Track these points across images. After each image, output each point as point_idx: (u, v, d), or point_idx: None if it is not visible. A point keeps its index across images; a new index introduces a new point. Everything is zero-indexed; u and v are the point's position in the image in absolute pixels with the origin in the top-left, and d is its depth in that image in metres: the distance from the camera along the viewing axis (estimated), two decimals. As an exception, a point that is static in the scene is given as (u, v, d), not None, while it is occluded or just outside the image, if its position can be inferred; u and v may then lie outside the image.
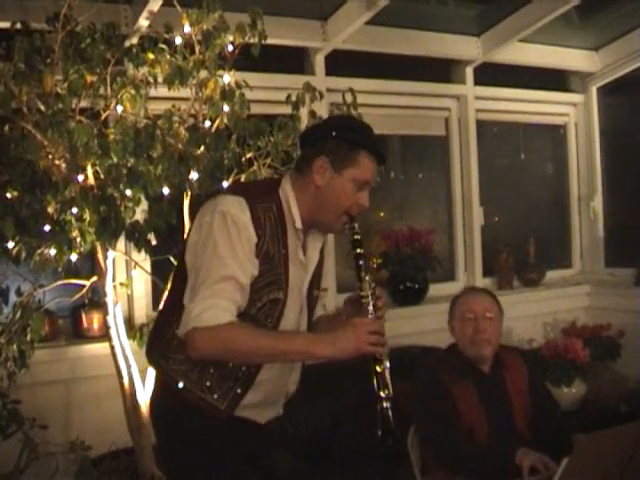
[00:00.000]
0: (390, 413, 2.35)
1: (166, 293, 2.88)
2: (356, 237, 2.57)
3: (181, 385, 2.51)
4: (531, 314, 5.56)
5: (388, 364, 2.42)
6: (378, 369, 2.40)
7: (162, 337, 2.57)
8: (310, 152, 2.60)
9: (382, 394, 2.37)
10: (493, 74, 5.72)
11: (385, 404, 2.36)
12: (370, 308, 2.50)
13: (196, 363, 2.47)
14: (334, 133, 2.57)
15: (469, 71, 5.65)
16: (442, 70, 5.66)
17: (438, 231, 5.53)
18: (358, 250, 2.56)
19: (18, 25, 3.46)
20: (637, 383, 5.11)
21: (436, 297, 5.39)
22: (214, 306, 2.33)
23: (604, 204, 6.26)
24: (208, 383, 2.50)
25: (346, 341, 2.36)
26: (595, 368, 5.05)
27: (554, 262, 6.29)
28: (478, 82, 5.71)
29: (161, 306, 2.93)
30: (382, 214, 5.65)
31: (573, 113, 6.36)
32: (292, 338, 2.49)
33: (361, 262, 2.55)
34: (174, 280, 2.66)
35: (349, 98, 4.26)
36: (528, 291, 5.86)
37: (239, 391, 2.52)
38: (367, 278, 2.53)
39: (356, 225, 2.58)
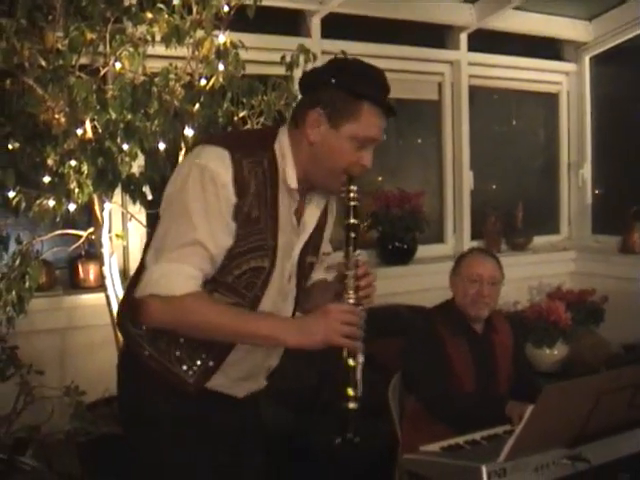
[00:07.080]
0: (355, 417, 2.06)
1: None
2: (352, 204, 2.18)
3: (147, 353, 2.26)
4: (517, 277, 5.47)
5: (362, 359, 2.11)
6: (351, 363, 2.08)
7: (131, 299, 2.25)
8: (305, 102, 2.27)
9: (350, 392, 2.05)
10: (487, 41, 5.79)
11: (352, 405, 2.05)
12: (350, 293, 2.15)
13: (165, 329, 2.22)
14: (333, 80, 2.20)
15: (463, 37, 5.72)
16: (436, 35, 5.74)
17: (428, 194, 5.61)
18: (352, 220, 2.18)
19: (21, -19, 3.52)
20: (619, 348, 5.22)
21: (424, 258, 5.51)
22: (177, 272, 2.08)
23: (593, 172, 6.36)
24: (177, 353, 2.24)
25: (315, 329, 2.09)
26: (578, 332, 5.18)
27: (542, 227, 6.39)
28: (472, 48, 5.78)
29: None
30: (380, 178, 5.71)
31: (566, 82, 6.43)
32: (257, 320, 2.18)
33: (352, 234, 2.17)
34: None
35: (342, 61, 4.32)
36: (515, 255, 5.94)
37: (211, 364, 2.26)
38: (354, 254, 2.15)
39: (354, 189, 2.19)
